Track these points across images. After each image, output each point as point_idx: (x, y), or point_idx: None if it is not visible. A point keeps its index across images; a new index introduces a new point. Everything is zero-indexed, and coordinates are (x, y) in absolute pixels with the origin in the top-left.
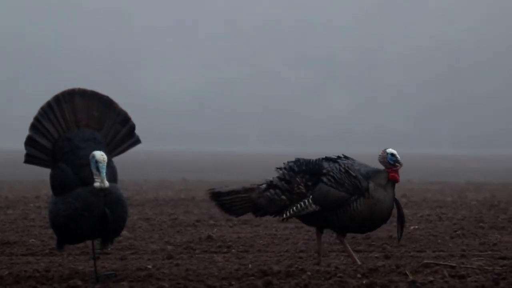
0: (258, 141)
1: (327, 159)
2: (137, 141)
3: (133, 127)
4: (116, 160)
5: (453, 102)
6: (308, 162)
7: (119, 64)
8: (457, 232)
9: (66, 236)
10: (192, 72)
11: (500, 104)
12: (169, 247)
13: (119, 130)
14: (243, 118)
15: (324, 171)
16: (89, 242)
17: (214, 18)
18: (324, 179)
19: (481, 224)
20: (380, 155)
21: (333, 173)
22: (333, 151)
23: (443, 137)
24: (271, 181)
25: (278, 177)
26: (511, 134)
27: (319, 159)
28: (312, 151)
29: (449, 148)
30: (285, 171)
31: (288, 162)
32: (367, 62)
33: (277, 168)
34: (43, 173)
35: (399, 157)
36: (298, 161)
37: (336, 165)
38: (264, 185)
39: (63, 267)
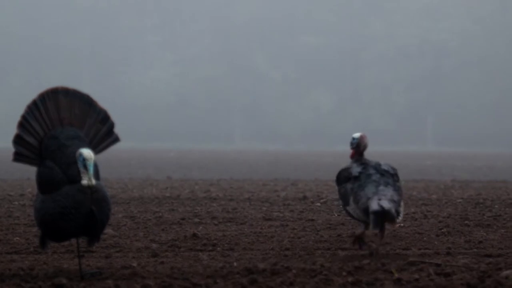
0: (242, 139)
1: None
2: (116, 139)
3: (112, 125)
4: (101, 158)
5: (437, 100)
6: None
7: (104, 61)
8: (442, 230)
9: (54, 234)
10: (176, 69)
11: (484, 102)
12: (154, 245)
13: (99, 129)
14: (228, 116)
15: (393, 172)
16: (73, 240)
17: (198, 16)
18: (396, 178)
19: (466, 222)
20: (366, 140)
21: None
22: (317, 149)
23: (428, 135)
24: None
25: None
26: (495, 132)
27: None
28: (297, 149)
29: (434, 146)
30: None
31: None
32: (351, 60)
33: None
34: (28, 171)
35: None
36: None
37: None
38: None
39: (47, 265)
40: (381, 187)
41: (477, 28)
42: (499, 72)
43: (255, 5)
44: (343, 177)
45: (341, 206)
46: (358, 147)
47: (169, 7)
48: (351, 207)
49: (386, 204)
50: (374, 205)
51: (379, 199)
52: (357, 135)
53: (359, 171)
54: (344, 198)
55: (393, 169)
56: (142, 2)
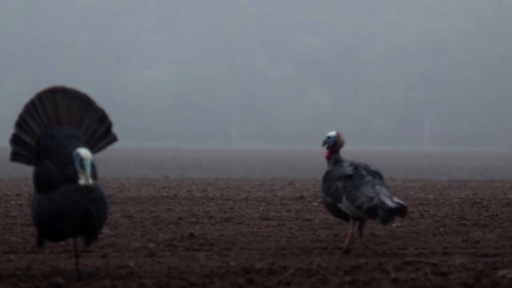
0: (240, 139)
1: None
2: (114, 139)
3: (110, 125)
4: (98, 157)
5: (435, 100)
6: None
7: (102, 61)
8: (439, 230)
9: (51, 234)
10: (174, 69)
11: (482, 102)
12: (151, 245)
13: (97, 128)
14: (226, 116)
15: (380, 173)
16: (70, 240)
17: (196, 15)
18: (382, 179)
19: (463, 221)
20: (343, 138)
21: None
22: (315, 149)
23: (425, 134)
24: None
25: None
26: (492, 131)
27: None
28: (295, 149)
29: (431, 146)
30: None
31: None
32: (350, 60)
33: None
34: (25, 171)
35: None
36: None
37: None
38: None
39: (44, 264)
40: (377, 187)
41: (476, 28)
42: (497, 72)
43: (254, 5)
44: (333, 176)
45: (326, 203)
46: (335, 145)
47: (168, 7)
48: (344, 204)
49: (402, 201)
50: (390, 203)
51: (390, 197)
52: (332, 133)
53: (352, 170)
54: (335, 195)
55: (378, 170)
56: (141, 2)
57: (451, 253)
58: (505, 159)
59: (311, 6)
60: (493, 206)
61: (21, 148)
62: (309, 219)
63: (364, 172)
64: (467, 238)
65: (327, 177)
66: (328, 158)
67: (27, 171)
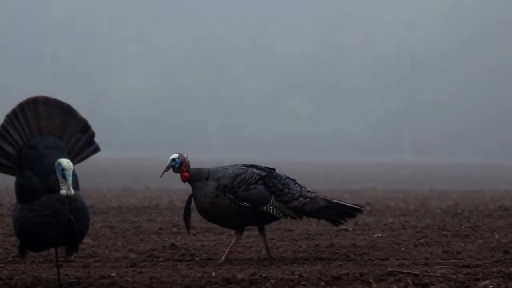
0: (220, 148)
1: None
2: (97, 149)
3: (93, 135)
4: (79, 167)
5: (415, 110)
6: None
7: (82, 71)
8: (420, 240)
9: (32, 243)
10: (154, 79)
11: (461, 112)
12: (133, 255)
13: (79, 138)
14: (205, 125)
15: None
16: (52, 250)
17: (177, 26)
18: None
19: (444, 232)
20: (186, 155)
21: None
22: (294, 159)
23: (405, 144)
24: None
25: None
26: (472, 141)
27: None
28: (274, 158)
29: (411, 156)
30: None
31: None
32: (328, 69)
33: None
34: (6, 180)
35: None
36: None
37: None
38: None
39: (26, 274)
40: (301, 186)
41: (454, 38)
42: (475, 81)
43: (233, 15)
44: (245, 181)
45: (239, 210)
46: (182, 165)
47: (147, 16)
48: (273, 205)
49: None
50: (354, 205)
51: (342, 201)
52: (175, 155)
53: (262, 171)
54: (257, 199)
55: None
56: (121, 12)
57: (432, 264)
58: (486, 170)
59: (290, 15)
60: (474, 217)
61: (2, 158)
62: (290, 230)
63: (282, 174)
64: (448, 249)
65: (237, 184)
66: (187, 177)
67: (9, 180)
